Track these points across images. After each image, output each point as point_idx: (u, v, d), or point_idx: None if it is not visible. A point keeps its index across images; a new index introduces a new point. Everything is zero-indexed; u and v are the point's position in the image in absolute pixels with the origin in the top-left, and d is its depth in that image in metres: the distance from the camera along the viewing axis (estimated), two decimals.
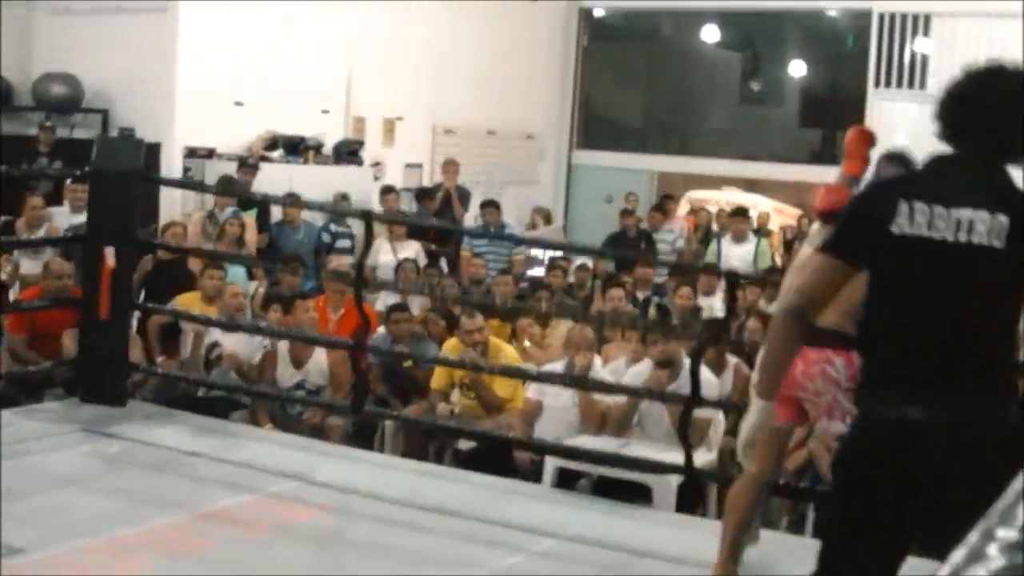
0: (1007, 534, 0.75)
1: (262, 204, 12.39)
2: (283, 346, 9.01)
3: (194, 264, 10.33)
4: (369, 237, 7.75)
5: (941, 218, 3.31)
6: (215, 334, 8.97)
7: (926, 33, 17.33)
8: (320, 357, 8.94)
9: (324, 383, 8.95)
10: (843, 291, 3.84)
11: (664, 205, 15.97)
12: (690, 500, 7.16)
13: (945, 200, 3.32)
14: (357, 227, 12.91)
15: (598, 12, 20.31)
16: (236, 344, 8.96)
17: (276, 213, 12.69)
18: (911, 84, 17.33)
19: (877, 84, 17.46)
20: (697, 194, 16.85)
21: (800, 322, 3.65)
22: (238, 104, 13.63)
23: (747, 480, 5.19)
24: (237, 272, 10.87)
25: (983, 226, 3.29)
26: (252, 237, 11.74)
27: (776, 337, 3.75)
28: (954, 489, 3.26)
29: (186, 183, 12.36)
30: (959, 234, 3.30)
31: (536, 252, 14.00)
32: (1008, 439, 3.28)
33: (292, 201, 11.41)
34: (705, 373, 7.21)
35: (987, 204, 3.31)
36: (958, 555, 0.73)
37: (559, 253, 13.66)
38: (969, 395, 3.34)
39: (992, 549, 0.72)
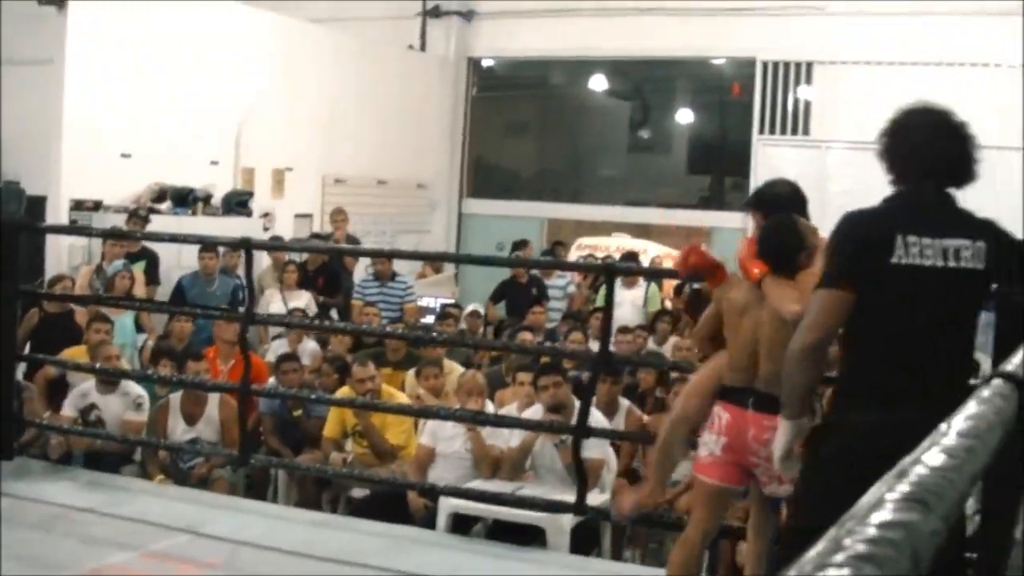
0: (855, 544, 0.78)
1: (151, 256, 12.28)
2: (175, 400, 8.92)
3: (81, 317, 10.21)
4: (250, 266, 7.62)
5: (930, 248, 3.75)
6: (92, 396, 8.77)
7: (808, 81, 17.65)
8: (212, 412, 8.86)
9: (217, 439, 8.86)
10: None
11: (555, 252, 16.07)
12: (584, 542, 7.19)
13: (931, 231, 3.77)
14: (269, 281, 12.95)
15: (487, 62, 20.45)
16: (110, 405, 8.76)
17: (167, 266, 12.58)
18: (794, 131, 17.64)
19: (762, 131, 17.75)
20: (588, 240, 16.96)
21: (819, 355, 3.97)
22: (125, 156, 13.50)
23: (689, 546, 5.09)
24: (124, 323, 10.74)
25: (968, 252, 3.77)
26: (141, 290, 11.62)
27: (796, 371, 4.01)
28: None
29: (79, 229, 12.19)
30: (948, 261, 3.76)
31: (427, 301, 14.01)
32: None
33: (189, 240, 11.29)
34: (597, 415, 7.27)
35: (966, 232, 3.79)
36: (804, 564, 0.76)
37: (451, 300, 13.69)
38: (938, 390, 3.69)
39: (838, 558, 0.75)
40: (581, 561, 6.74)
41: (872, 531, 0.75)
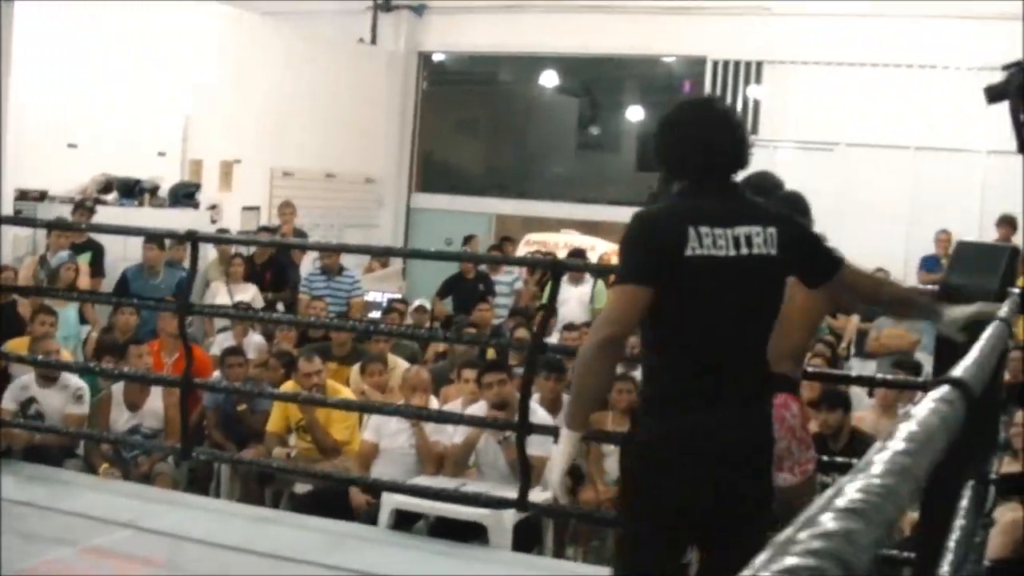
0: (808, 539, 0.77)
1: (96, 248, 12.18)
2: (118, 390, 8.85)
3: (24, 309, 10.12)
4: (195, 265, 7.55)
5: (722, 237, 3.73)
6: (32, 389, 8.68)
7: (758, 80, 17.73)
8: (156, 402, 8.79)
9: (160, 427, 8.81)
10: (790, 335, 4.46)
11: (503, 248, 16.06)
12: (527, 539, 7.19)
13: (724, 223, 3.75)
14: (215, 274, 12.89)
15: (437, 57, 20.42)
16: (50, 398, 8.67)
17: (113, 258, 12.49)
18: None
19: None
20: (535, 236, 16.97)
21: (617, 352, 3.86)
22: (72, 146, 13.40)
23: None
24: (68, 315, 10.65)
25: (759, 238, 3.77)
26: (86, 281, 11.52)
27: (590, 368, 3.80)
28: (748, 473, 3.74)
29: (22, 220, 12.08)
30: (740, 249, 3.75)
31: (374, 295, 13.96)
32: (769, 430, 3.86)
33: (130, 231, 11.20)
34: (541, 412, 7.27)
35: (757, 220, 3.80)
36: (759, 559, 0.75)
37: (398, 295, 13.65)
38: (753, 389, 3.82)
39: (793, 551, 0.73)
40: (523, 558, 6.74)
41: (805, 544, 0.73)
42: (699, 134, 3.91)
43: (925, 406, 1.33)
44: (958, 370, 1.76)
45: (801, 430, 4.87)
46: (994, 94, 5.14)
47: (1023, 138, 5.02)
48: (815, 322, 4.99)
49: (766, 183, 5.04)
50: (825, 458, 6.80)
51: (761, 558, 0.74)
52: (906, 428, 1.13)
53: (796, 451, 4.84)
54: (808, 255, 3.98)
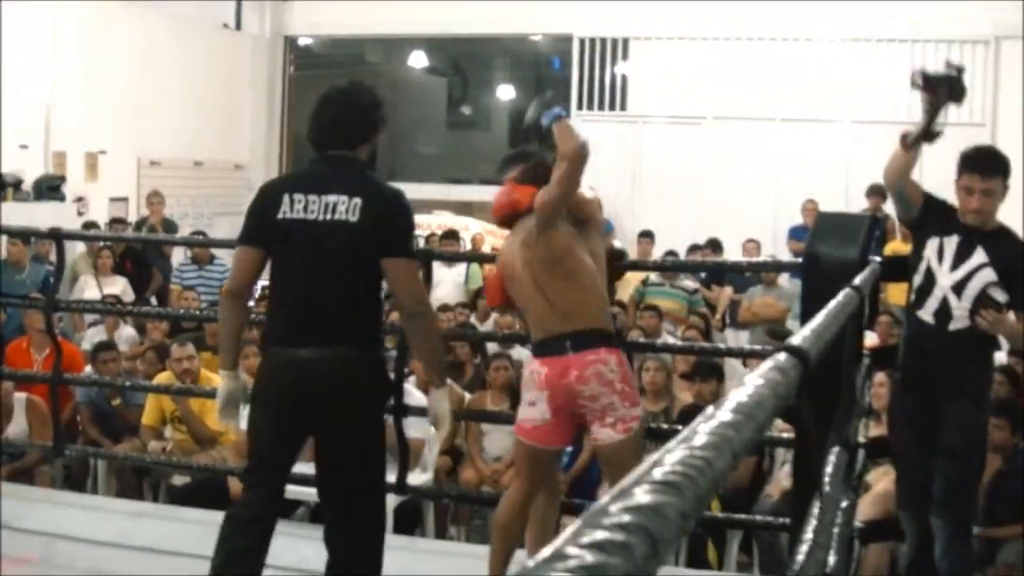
0: (619, 512, 0.79)
1: None
2: None
3: None
4: (61, 262, 7.44)
5: (314, 203, 4.42)
6: None
7: (625, 57, 17.84)
8: (19, 420, 8.53)
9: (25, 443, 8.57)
10: (599, 289, 4.93)
11: None
12: (408, 521, 7.20)
13: (315, 190, 4.44)
14: (84, 267, 12.68)
15: (303, 40, 20.25)
16: None
17: None
18: (612, 106, 17.81)
19: (580, 106, 17.88)
20: None
21: (235, 302, 4.65)
22: None
23: (515, 500, 5.15)
24: None
25: (343, 206, 4.40)
26: None
27: (223, 316, 4.72)
28: (324, 400, 4.43)
29: None
30: (327, 214, 4.40)
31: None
32: (358, 368, 4.46)
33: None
34: (417, 394, 7.27)
35: (340, 189, 4.43)
36: (541, 555, 0.76)
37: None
38: (323, 336, 4.42)
39: (574, 549, 0.75)
40: (405, 541, 6.76)
41: (614, 517, 0.75)
42: (313, 112, 4.66)
43: (758, 375, 1.36)
44: (796, 338, 1.80)
45: (622, 383, 4.91)
46: (927, 84, 5.30)
47: (929, 129, 5.31)
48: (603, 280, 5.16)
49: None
50: None
51: (571, 528, 0.76)
52: (735, 398, 1.16)
53: (620, 406, 4.89)
54: (386, 230, 4.45)
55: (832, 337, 2.23)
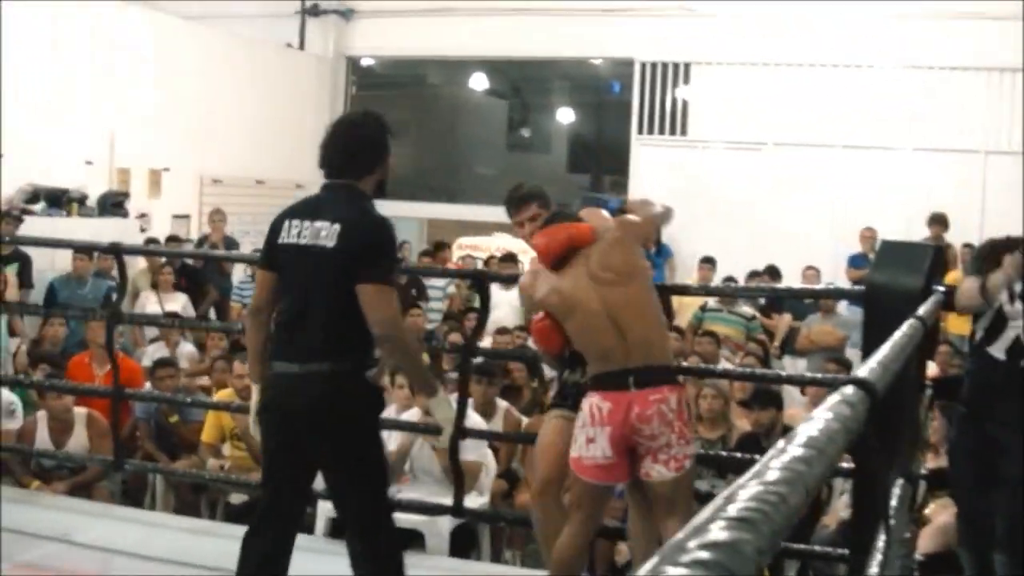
0: (696, 549, 0.79)
1: (23, 258, 12.05)
2: (42, 421, 8.60)
3: None
4: (123, 279, 7.51)
5: (306, 229, 4.64)
6: None
7: (686, 81, 17.82)
8: (80, 436, 8.59)
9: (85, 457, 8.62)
10: (665, 325, 5.01)
11: (434, 251, 16.01)
12: (463, 544, 7.20)
13: (308, 216, 4.68)
14: (143, 283, 12.77)
15: (366, 61, 20.37)
16: None
17: (41, 268, 12.35)
18: (672, 131, 17.79)
19: (640, 131, 17.88)
20: (467, 240, 16.96)
21: (258, 319, 4.93)
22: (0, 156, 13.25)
23: (576, 538, 5.13)
24: None
25: (327, 232, 4.59)
26: (14, 292, 11.40)
27: (247, 333, 5.03)
28: (301, 413, 4.65)
29: None
30: (313, 239, 4.61)
31: None
32: (331, 384, 4.60)
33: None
34: (475, 417, 7.27)
35: (328, 215, 4.62)
36: (648, 565, 0.76)
37: None
38: (309, 353, 4.62)
39: (680, 560, 0.75)
40: (461, 564, 6.76)
41: (692, 554, 0.75)
42: (321, 143, 4.87)
43: (827, 408, 1.35)
44: (863, 370, 1.78)
45: (679, 423, 4.89)
46: None
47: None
48: (646, 285, 5.15)
49: None
50: (758, 457, 6.85)
51: (649, 564, 0.76)
52: (805, 433, 1.15)
53: (675, 444, 4.88)
54: (358, 256, 4.57)
55: (898, 369, 2.22)
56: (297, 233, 4.68)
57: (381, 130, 4.95)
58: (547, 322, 5.27)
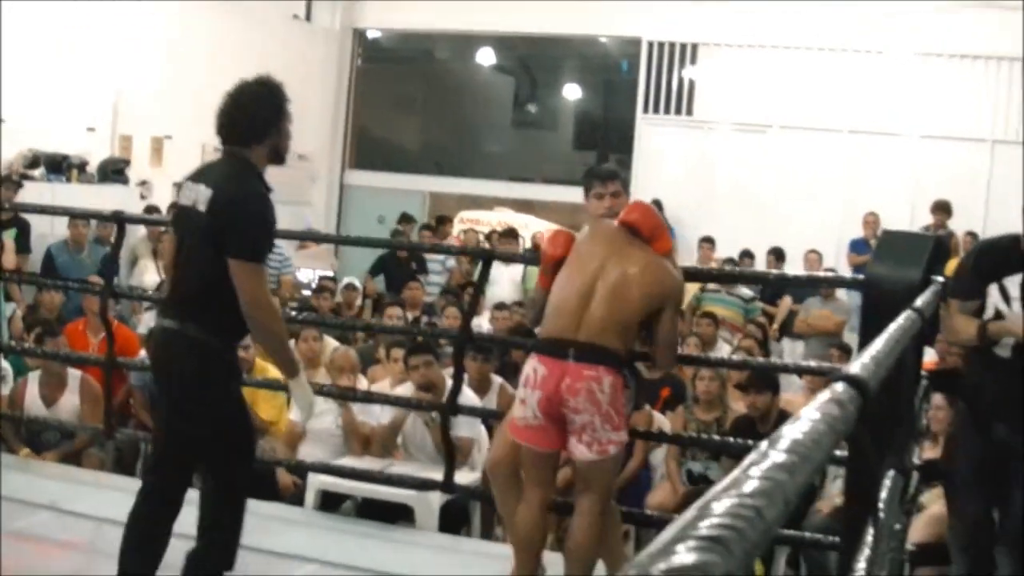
0: (702, 530, 0.75)
1: (22, 224, 12.01)
2: (33, 381, 8.61)
3: None
4: (120, 240, 7.45)
5: (191, 190, 4.74)
6: None
7: (693, 62, 17.73)
8: (72, 396, 8.55)
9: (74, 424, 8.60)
10: (617, 311, 4.89)
11: (435, 225, 15.97)
12: (454, 521, 7.17)
13: (196, 179, 4.80)
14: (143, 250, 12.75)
15: (372, 34, 20.29)
16: None
17: (40, 234, 12.32)
18: (678, 111, 17.71)
19: (646, 110, 17.81)
20: (469, 214, 16.92)
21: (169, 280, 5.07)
22: (1, 121, 13.19)
23: (533, 510, 5.16)
24: None
25: (202, 196, 4.66)
26: (11, 258, 11.35)
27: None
28: (157, 367, 4.96)
29: None
30: (192, 202, 4.70)
31: (306, 272, 13.88)
32: (182, 343, 4.71)
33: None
34: (468, 393, 7.23)
35: (208, 180, 4.71)
36: (646, 552, 0.72)
37: (329, 273, 13.56)
38: (176, 313, 4.74)
39: (682, 547, 0.71)
40: (450, 540, 6.73)
41: None
42: (218, 109, 4.91)
43: (815, 408, 1.30)
44: (854, 366, 1.74)
45: (609, 407, 4.89)
46: None
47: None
48: (646, 306, 5.07)
49: None
50: (751, 441, 6.82)
51: (651, 550, 0.72)
52: (790, 436, 1.11)
53: (599, 427, 4.90)
54: (223, 226, 4.62)
55: (892, 364, 2.17)
56: (184, 195, 4.82)
57: (272, 98, 4.93)
58: (564, 235, 5.34)
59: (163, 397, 4.97)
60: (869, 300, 4.59)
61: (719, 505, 0.84)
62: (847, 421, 1.35)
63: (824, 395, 1.42)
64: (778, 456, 1.02)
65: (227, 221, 4.61)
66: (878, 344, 2.15)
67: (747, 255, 14.55)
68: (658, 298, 5.03)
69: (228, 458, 4.92)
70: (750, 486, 0.90)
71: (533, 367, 4.97)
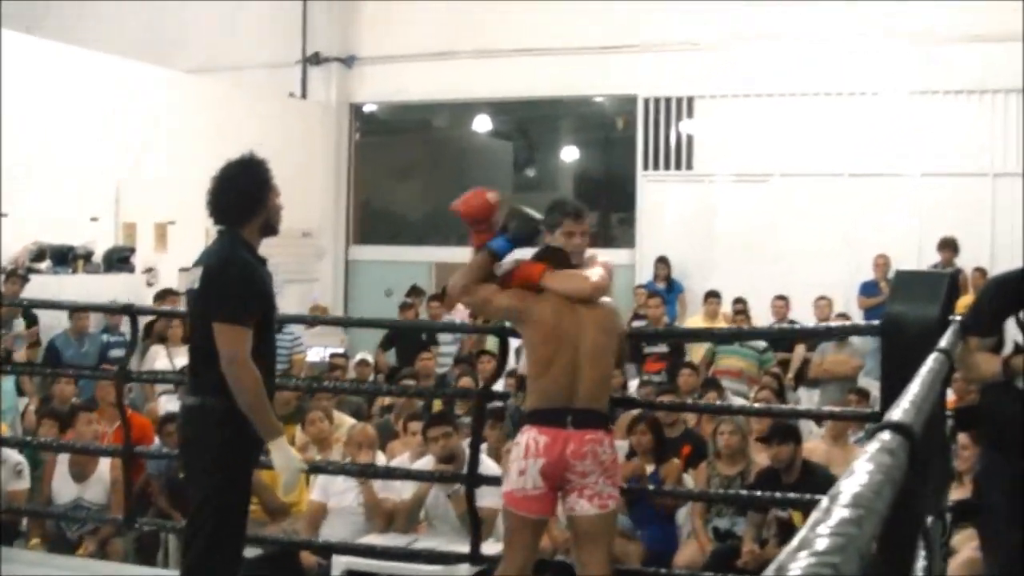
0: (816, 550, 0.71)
1: (31, 317, 12.01)
2: (63, 458, 8.63)
3: None
4: (135, 333, 7.47)
5: (191, 274, 5.01)
6: None
7: (690, 115, 17.75)
8: (103, 470, 8.59)
9: (106, 498, 8.61)
10: (602, 370, 5.16)
11: (443, 296, 15.89)
12: None
13: (196, 263, 5.01)
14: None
15: (369, 107, 20.34)
16: None
17: (48, 326, 12.31)
18: (678, 165, 17.71)
19: (646, 166, 17.82)
20: None
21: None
22: (2, 215, 13.20)
23: (519, 570, 5.22)
24: (6, 387, 10.48)
25: (197, 276, 4.91)
26: (22, 352, 11.35)
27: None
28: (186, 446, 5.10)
29: None
30: (192, 283, 4.96)
31: (316, 351, 13.84)
32: (195, 416, 4.95)
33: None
34: (489, 462, 7.18)
35: (202, 261, 4.96)
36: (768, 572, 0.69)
37: (340, 350, 13.52)
38: (193, 389, 4.98)
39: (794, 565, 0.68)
40: None
41: None
42: (212, 191, 5.20)
43: (866, 460, 1.27)
44: (897, 412, 1.70)
45: (611, 465, 5.16)
46: None
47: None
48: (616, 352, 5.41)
49: None
50: (778, 494, 6.77)
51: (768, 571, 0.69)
52: (849, 490, 1.07)
53: (602, 484, 5.09)
54: (210, 296, 4.86)
55: (930, 407, 2.13)
56: (187, 279, 5.10)
57: (254, 176, 5.18)
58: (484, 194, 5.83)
59: (189, 470, 5.11)
60: (889, 342, 4.56)
61: (797, 563, 0.81)
62: (900, 469, 1.31)
63: (873, 445, 1.39)
64: (843, 511, 0.98)
65: (212, 290, 4.86)
66: (914, 388, 2.11)
67: (739, 303, 14.49)
68: (620, 340, 5.40)
69: (204, 517, 4.96)
70: (822, 543, 0.86)
71: (533, 437, 5.09)
